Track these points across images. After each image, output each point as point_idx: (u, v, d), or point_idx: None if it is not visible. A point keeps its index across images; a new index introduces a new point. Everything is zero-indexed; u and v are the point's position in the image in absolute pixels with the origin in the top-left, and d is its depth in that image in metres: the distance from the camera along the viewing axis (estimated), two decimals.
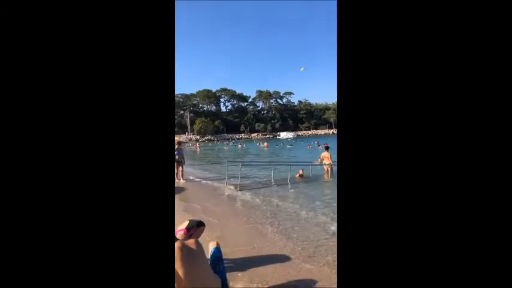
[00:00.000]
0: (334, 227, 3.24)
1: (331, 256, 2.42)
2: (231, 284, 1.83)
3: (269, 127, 66.69)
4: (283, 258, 2.38)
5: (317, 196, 4.96)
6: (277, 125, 67.39)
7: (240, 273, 2.00)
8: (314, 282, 2.02)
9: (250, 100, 75.74)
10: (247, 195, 5.03)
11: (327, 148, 8.06)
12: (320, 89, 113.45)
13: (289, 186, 5.90)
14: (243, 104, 75.20)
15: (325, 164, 7.67)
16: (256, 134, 63.53)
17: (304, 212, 3.89)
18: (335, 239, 2.86)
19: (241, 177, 6.14)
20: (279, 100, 75.50)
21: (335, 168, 7.46)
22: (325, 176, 7.27)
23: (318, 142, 22.67)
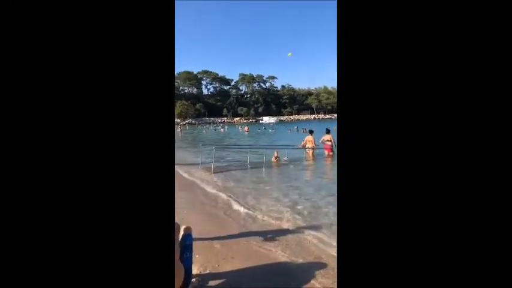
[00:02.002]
0: (301, 206, 3.32)
1: (292, 235, 2.47)
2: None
3: (252, 111, 66.17)
4: (245, 242, 2.39)
5: (291, 177, 5.05)
6: (260, 109, 66.97)
7: (197, 256, 1.97)
8: (273, 266, 2.04)
9: (233, 83, 74.13)
10: (219, 178, 4.99)
11: (311, 132, 8.34)
12: (303, 74, 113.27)
13: (264, 169, 5.93)
14: (225, 87, 73.50)
15: (307, 148, 7.85)
16: (239, 118, 62.84)
17: (275, 193, 3.93)
18: (299, 217, 2.93)
19: (217, 161, 6.07)
20: (262, 84, 74.56)
21: (317, 151, 7.81)
22: (307, 159, 7.45)
23: (297, 127, 23.06)
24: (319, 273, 1.79)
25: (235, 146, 10.97)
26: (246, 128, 26.59)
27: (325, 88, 74.35)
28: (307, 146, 7.98)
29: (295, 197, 3.76)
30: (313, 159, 7.39)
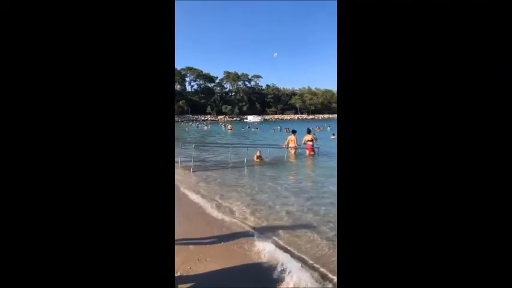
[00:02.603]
0: (279, 207, 3.32)
1: (269, 236, 2.46)
2: None
3: (236, 110, 65.80)
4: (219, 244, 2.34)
5: (271, 178, 5.03)
6: (244, 108, 66.72)
7: None
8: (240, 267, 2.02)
9: (217, 81, 73.25)
10: (198, 178, 4.89)
11: (293, 132, 8.49)
12: (288, 74, 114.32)
13: (246, 169, 5.90)
14: (209, 85, 72.38)
15: (290, 147, 8.00)
16: (223, 116, 62.23)
17: (254, 194, 3.92)
18: (276, 218, 2.92)
19: (198, 160, 5.94)
20: (247, 83, 74.33)
21: (299, 150, 8.00)
22: (290, 157, 7.58)
23: (280, 127, 23.29)
24: (293, 273, 1.79)
25: (217, 145, 10.83)
26: (229, 127, 26.33)
27: (309, 89, 75.54)
28: (289, 145, 8.08)
29: (273, 198, 3.74)
30: (295, 159, 7.49)
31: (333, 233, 2.45)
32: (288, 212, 3.14)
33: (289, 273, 1.81)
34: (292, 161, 7.28)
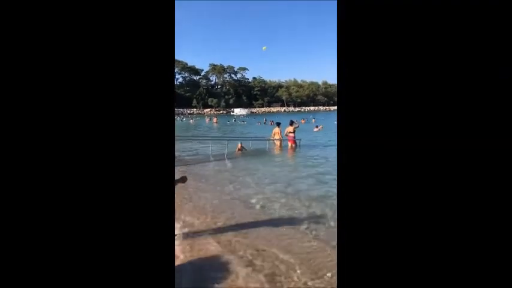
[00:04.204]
0: (254, 200, 3.36)
1: (237, 232, 2.51)
2: None
3: (223, 103, 65.05)
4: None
5: (251, 172, 5.00)
6: (231, 101, 66.05)
7: None
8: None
9: (202, 74, 71.86)
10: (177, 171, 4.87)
11: (278, 124, 8.66)
12: (274, 66, 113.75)
13: (226, 161, 5.93)
14: (195, 78, 70.95)
15: (275, 139, 8.20)
16: (209, 109, 61.37)
17: (231, 186, 3.96)
18: (248, 213, 2.98)
19: (178, 154, 5.89)
20: (233, 75, 73.43)
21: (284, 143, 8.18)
22: (275, 150, 7.78)
23: (265, 119, 23.37)
24: (254, 266, 1.86)
25: (199, 138, 10.77)
26: (214, 120, 26.16)
27: (295, 81, 75.68)
28: (275, 137, 8.26)
29: (249, 192, 3.71)
30: (280, 150, 7.69)
31: (299, 233, 2.43)
32: (264, 205, 3.18)
33: (239, 272, 1.82)
34: (275, 153, 7.41)
